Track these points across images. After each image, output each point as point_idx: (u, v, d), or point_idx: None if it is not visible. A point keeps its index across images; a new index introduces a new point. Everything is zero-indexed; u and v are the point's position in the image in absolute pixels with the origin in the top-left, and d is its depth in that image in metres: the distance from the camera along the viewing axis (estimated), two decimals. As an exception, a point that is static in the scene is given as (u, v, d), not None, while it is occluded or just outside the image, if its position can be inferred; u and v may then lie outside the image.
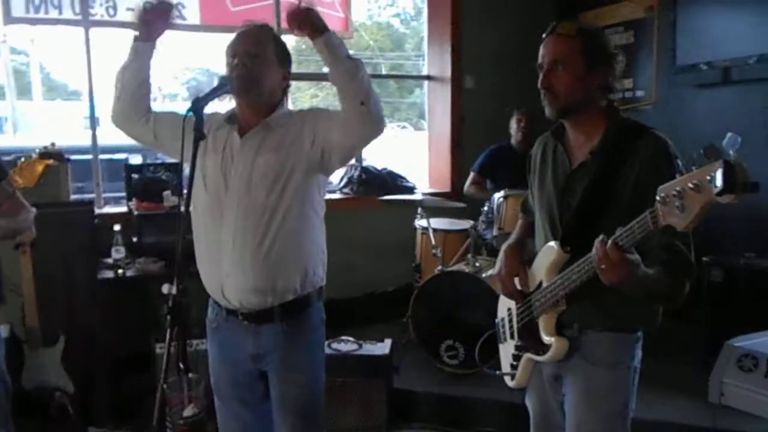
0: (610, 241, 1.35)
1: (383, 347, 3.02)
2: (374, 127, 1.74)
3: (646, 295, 1.49)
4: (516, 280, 1.77)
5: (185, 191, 1.56)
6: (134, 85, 1.87)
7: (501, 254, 1.84)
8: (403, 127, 16.03)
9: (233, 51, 1.78)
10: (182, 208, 1.57)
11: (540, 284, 1.69)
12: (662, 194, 1.24)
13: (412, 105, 18.10)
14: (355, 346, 3.04)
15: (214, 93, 1.68)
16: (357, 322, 3.76)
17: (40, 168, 2.14)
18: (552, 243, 1.65)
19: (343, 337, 3.10)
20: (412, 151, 8.72)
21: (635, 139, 1.58)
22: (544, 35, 1.66)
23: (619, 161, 1.57)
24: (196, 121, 1.57)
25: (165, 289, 1.52)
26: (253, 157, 1.79)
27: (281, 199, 1.78)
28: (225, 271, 1.80)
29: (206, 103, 1.62)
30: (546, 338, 1.65)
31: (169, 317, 1.50)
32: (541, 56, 1.65)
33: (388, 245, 4.40)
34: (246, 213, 1.78)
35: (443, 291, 3.46)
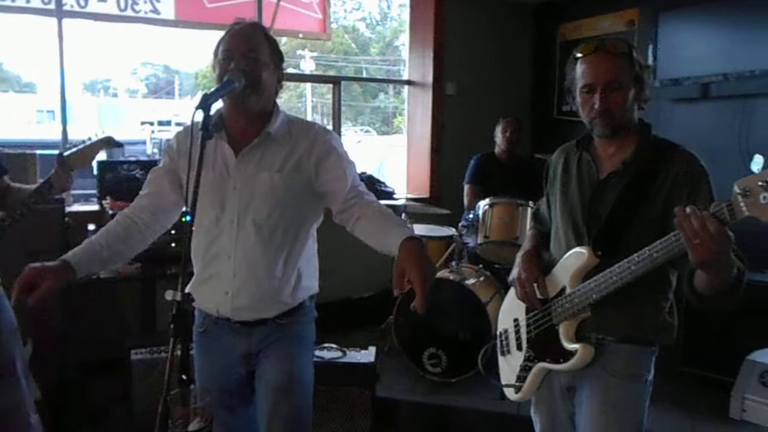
0: (707, 213, 1.27)
1: (368, 355, 2.96)
2: None
3: (721, 283, 1.39)
4: (534, 286, 1.74)
5: (191, 195, 1.46)
6: (122, 257, 1.78)
7: (518, 259, 1.82)
8: (367, 131, 16.06)
9: (229, 54, 1.67)
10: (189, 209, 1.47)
11: (563, 290, 1.67)
12: (743, 186, 1.22)
13: (376, 109, 18.16)
14: (339, 354, 2.97)
15: (222, 90, 1.60)
16: (333, 329, 3.70)
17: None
18: (581, 248, 1.64)
19: (327, 344, 3.03)
20: (378, 155, 8.72)
21: (669, 153, 1.59)
22: (580, 54, 1.63)
23: (652, 173, 1.58)
24: (203, 119, 1.49)
25: (168, 295, 1.42)
26: (254, 173, 1.72)
27: (282, 218, 1.73)
28: (224, 288, 1.75)
29: (215, 100, 1.54)
30: (569, 345, 1.64)
31: (172, 326, 1.41)
32: (591, 76, 1.59)
33: (365, 250, 4.32)
34: (246, 231, 1.72)
35: (427, 298, 3.41)
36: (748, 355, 3.10)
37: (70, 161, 2.10)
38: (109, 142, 2.14)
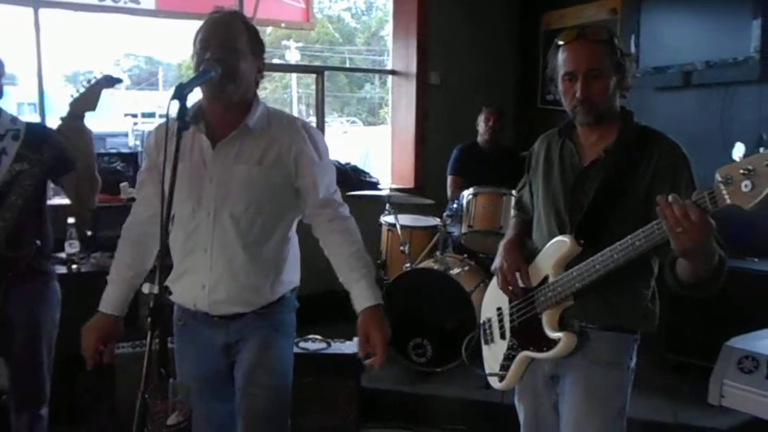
0: (689, 201, 1.27)
1: (352, 346, 2.96)
2: None
3: (704, 271, 1.40)
4: (516, 275, 1.74)
5: (167, 187, 1.43)
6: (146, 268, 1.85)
7: (501, 249, 1.82)
8: (353, 122, 16.01)
9: (206, 43, 1.64)
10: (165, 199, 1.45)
11: (545, 279, 1.67)
12: (724, 174, 1.22)
13: (362, 100, 18.09)
14: (323, 345, 2.98)
15: (198, 79, 1.58)
16: (318, 320, 3.69)
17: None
18: (564, 237, 1.64)
19: (311, 336, 3.03)
20: (364, 145, 8.70)
21: (651, 141, 1.59)
22: (561, 42, 1.62)
23: (634, 160, 1.58)
24: (179, 109, 1.47)
25: (146, 288, 1.41)
26: (231, 166, 1.70)
27: (260, 211, 1.71)
28: (200, 282, 1.73)
29: (191, 90, 1.51)
30: (553, 334, 1.64)
31: (150, 319, 1.39)
32: (572, 64, 1.59)
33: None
34: (223, 225, 1.70)
35: (412, 288, 3.43)
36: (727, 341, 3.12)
37: (75, 106, 2.10)
38: (108, 80, 2.13)
